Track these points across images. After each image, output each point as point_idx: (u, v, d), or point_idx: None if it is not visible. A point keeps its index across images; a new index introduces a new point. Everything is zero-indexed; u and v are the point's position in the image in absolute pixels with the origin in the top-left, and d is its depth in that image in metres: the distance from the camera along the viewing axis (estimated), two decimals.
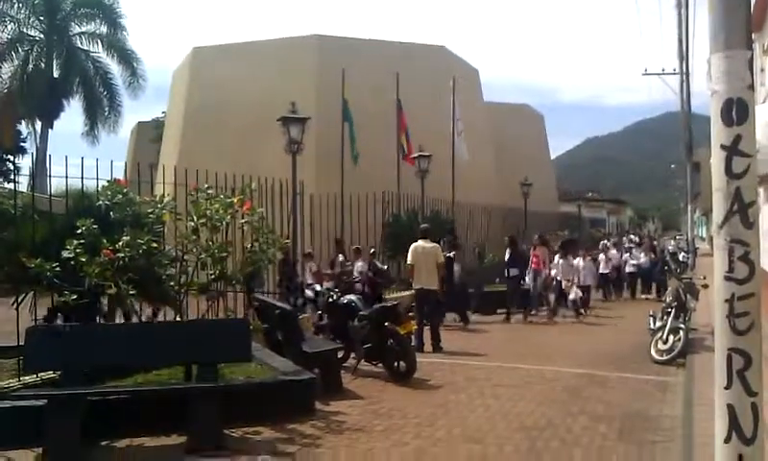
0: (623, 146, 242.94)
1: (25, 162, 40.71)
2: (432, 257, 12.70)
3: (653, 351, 11.25)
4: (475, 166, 26.77)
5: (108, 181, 8.31)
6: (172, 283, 7.88)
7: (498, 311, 17.06)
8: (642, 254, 24.21)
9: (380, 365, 9.98)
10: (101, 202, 8.15)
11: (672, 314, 11.68)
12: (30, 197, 11.43)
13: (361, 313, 10.21)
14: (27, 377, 7.66)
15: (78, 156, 8.73)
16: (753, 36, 5.43)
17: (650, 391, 9.20)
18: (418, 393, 9.03)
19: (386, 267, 16.97)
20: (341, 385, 9.15)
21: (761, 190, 12.90)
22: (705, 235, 62.67)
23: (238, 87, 26.93)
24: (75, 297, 7.41)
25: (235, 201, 8.25)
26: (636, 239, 39.18)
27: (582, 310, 17.35)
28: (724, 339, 3.36)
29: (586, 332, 15.26)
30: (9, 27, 35.31)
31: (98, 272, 7.24)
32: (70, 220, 8.12)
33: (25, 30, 35.83)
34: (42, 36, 35.93)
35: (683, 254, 29.56)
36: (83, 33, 36.72)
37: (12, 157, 40.71)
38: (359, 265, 16.50)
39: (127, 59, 36.49)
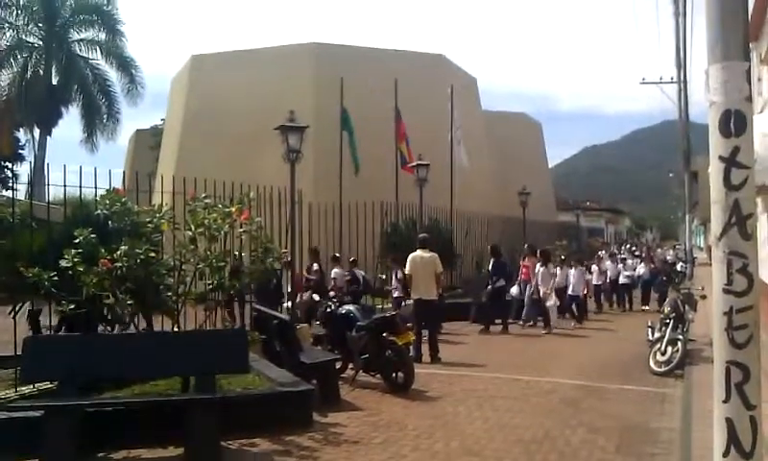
0: (621, 155, 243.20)
1: (23, 170, 40.70)
2: (430, 267, 12.67)
3: (651, 363, 11.23)
4: (474, 175, 26.78)
5: (106, 191, 8.30)
6: (170, 293, 7.86)
7: (496, 322, 16.99)
8: (642, 265, 24.08)
9: (378, 376, 9.96)
10: (99, 211, 8.13)
11: (670, 325, 11.66)
12: (28, 205, 11.44)
13: (359, 324, 10.19)
14: (24, 388, 7.63)
15: (76, 163, 8.75)
16: (750, 45, 5.44)
17: (649, 403, 9.18)
18: (416, 404, 9.00)
19: (363, 274, 17.02)
20: (339, 396, 9.12)
21: (759, 200, 12.90)
22: (703, 245, 62.73)
23: (237, 95, 26.92)
24: (72, 306, 7.39)
25: (233, 210, 8.24)
26: (634, 248, 39.16)
27: (549, 322, 16.97)
28: (722, 352, 3.35)
29: (584, 344, 15.24)
30: (7, 34, 35.38)
31: (96, 281, 7.22)
32: (68, 229, 8.10)
33: (24, 37, 35.90)
34: (41, 42, 35.97)
35: (680, 264, 29.61)
36: (81, 40, 36.78)
37: (9, 165, 40.72)
38: (335, 271, 16.54)
39: (125, 66, 36.53)
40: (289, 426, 7.43)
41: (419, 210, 19.97)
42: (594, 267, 22.13)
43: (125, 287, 7.44)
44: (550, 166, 52.15)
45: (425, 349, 12.39)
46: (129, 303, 7.59)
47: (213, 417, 6.49)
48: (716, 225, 3.37)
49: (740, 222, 3.31)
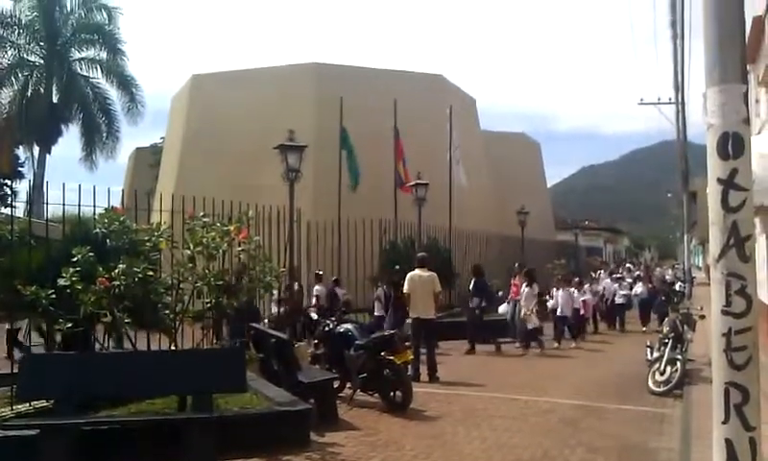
0: (619, 174, 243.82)
1: (22, 187, 40.75)
2: (429, 286, 12.66)
3: (650, 383, 11.20)
4: (472, 194, 26.86)
5: (105, 209, 8.31)
6: (167, 312, 7.85)
7: (499, 340, 16.93)
8: (640, 285, 23.89)
9: (376, 395, 9.91)
10: (98, 229, 8.13)
11: (669, 345, 11.64)
12: (27, 222, 11.44)
13: (357, 342, 10.16)
14: (20, 406, 7.59)
15: (75, 180, 8.76)
16: (747, 67, 5.46)
17: (647, 423, 9.15)
18: (414, 424, 8.96)
19: (345, 292, 17.00)
20: (336, 416, 9.07)
21: (758, 221, 12.93)
22: (701, 265, 62.71)
23: (236, 115, 27.04)
24: (70, 325, 7.37)
25: (232, 229, 8.24)
26: (631, 267, 39.09)
27: (538, 343, 16.79)
28: (721, 373, 3.34)
29: (582, 363, 15.19)
30: (9, 52, 35.44)
31: (93, 300, 7.21)
32: (66, 247, 8.10)
33: (25, 55, 35.97)
34: (42, 61, 36.06)
35: (679, 283, 29.57)
36: (82, 58, 36.87)
37: (9, 182, 40.75)
38: (317, 289, 16.52)
39: (126, 84, 36.60)
40: (286, 446, 7.39)
41: (417, 229, 20.01)
42: (586, 286, 21.57)
43: (123, 306, 7.43)
44: (548, 185, 52.27)
45: (424, 368, 12.35)
46: (126, 321, 7.57)
47: (210, 436, 6.45)
48: (715, 246, 3.38)
49: (739, 243, 3.32)
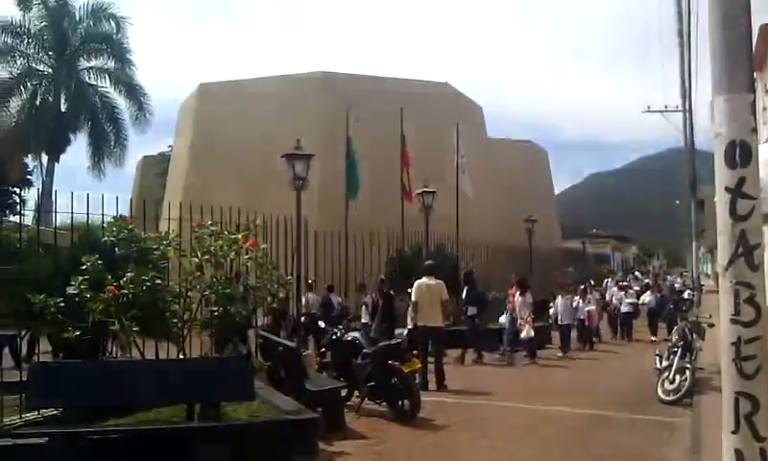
0: (626, 182, 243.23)
1: (31, 195, 40.93)
2: (436, 295, 12.64)
3: (660, 391, 11.15)
4: (479, 202, 26.82)
5: (113, 217, 8.34)
6: (175, 320, 7.86)
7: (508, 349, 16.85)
8: (648, 293, 23.40)
9: (384, 404, 9.89)
10: (106, 237, 8.17)
11: (678, 354, 11.59)
12: (35, 231, 11.49)
13: (365, 351, 10.15)
14: (29, 414, 7.61)
15: (83, 188, 8.83)
16: (755, 75, 5.46)
17: (657, 432, 9.11)
18: (422, 433, 8.94)
19: (339, 300, 16.95)
20: (344, 424, 9.06)
21: (766, 229, 12.87)
22: (710, 272, 62.41)
23: (244, 123, 27.10)
24: (78, 333, 7.39)
25: (239, 237, 8.26)
26: (639, 275, 38.84)
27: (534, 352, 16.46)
28: (731, 383, 3.33)
29: (591, 372, 15.14)
30: (18, 62, 35.66)
31: (102, 308, 7.23)
32: (75, 255, 8.13)
33: (34, 65, 36.17)
34: (51, 70, 36.26)
35: (688, 291, 29.41)
36: (91, 67, 37.06)
37: (18, 191, 40.93)
38: (309, 297, 16.51)
39: (134, 93, 36.76)
40: (294, 455, 7.38)
41: (424, 237, 19.99)
42: (590, 295, 21.01)
43: (131, 314, 7.45)
44: (556, 193, 52.19)
45: (431, 376, 12.32)
46: (135, 329, 7.58)
47: (219, 445, 6.46)
48: (723, 255, 3.37)
49: (747, 252, 3.31)
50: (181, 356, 8.22)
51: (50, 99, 35.89)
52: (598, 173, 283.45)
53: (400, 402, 9.71)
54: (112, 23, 36.50)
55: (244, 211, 10.28)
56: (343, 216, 20.87)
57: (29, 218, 28.70)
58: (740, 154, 3.35)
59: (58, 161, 36.49)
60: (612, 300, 22.74)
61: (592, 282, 24.97)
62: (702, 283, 36.64)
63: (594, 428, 9.28)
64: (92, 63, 37.08)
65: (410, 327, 14.61)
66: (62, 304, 7.35)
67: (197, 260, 7.88)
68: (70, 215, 9.03)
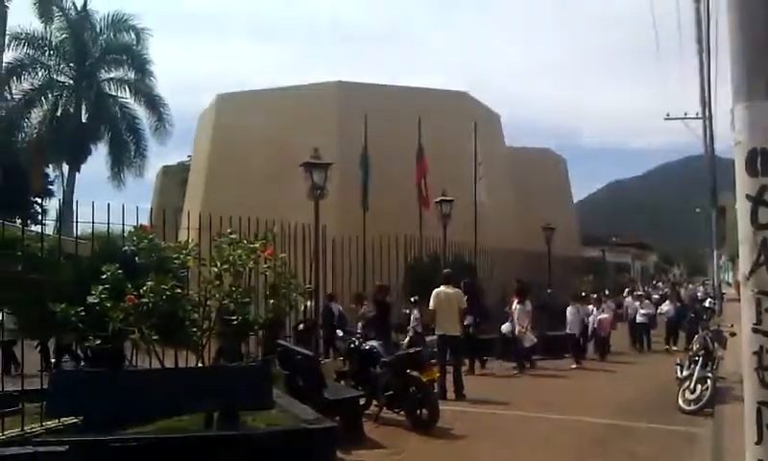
0: (646, 190, 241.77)
1: (52, 205, 41.35)
2: (454, 303, 12.62)
3: (680, 401, 11.05)
4: (498, 210, 26.77)
5: (134, 227, 8.41)
6: (195, 329, 7.89)
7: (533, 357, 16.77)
8: (667, 303, 22.92)
9: (403, 413, 9.87)
10: (126, 247, 8.24)
11: (699, 363, 11.48)
12: (56, 240, 11.62)
13: (383, 360, 10.14)
14: (49, 422, 7.68)
15: (103, 198, 8.90)
16: None
17: (678, 442, 9.02)
18: (440, 442, 8.91)
19: (340, 308, 16.88)
20: (363, 433, 9.05)
21: None
22: (731, 281, 61.79)
23: (261, 133, 27.24)
24: (99, 342, 7.45)
25: (258, 246, 8.28)
26: (659, 284, 38.38)
27: (529, 361, 16.34)
28: (753, 393, 3.28)
29: (610, 382, 15.05)
30: (39, 73, 36.12)
31: (122, 317, 7.28)
32: (96, 264, 8.20)
33: (55, 76, 36.61)
34: (71, 81, 36.68)
35: (709, 300, 29.09)
36: (111, 78, 37.45)
37: (39, 201, 41.39)
38: (307, 304, 16.50)
39: (154, 104, 37.09)
40: None
41: (442, 245, 19.97)
42: (605, 304, 20.63)
43: (151, 323, 7.49)
44: (575, 201, 51.92)
45: (450, 385, 12.28)
46: (154, 338, 7.63)
47: (237, 453, 6.47)
48: (744, 264, 3.33)
49: None
50: (201, 365, 8.26)
51: (71, 110, 36.29)
52: (618, 180, 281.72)
53: (419, 411, 9.68)
54: (132, 34, 36.92)
55: (262, 220, 10.32)
56: (361, 224, 20.91)
57: (50, 228, 29.08)
58: (762, 162, 3.31)
59: (78, 171, 36.86)
60: (627, 309, 22.42)
61: (607, 292, 24.56)
62: (723, 292, 36.26)
63: (613, 438, 9.20)
64: (112, 74, 37.48)
65: (411, 335, 14.59)
66: (83, 313, 7.41)
67: (216, 269, 7.91)
68: (91, 225, 9.12)
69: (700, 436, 9.34)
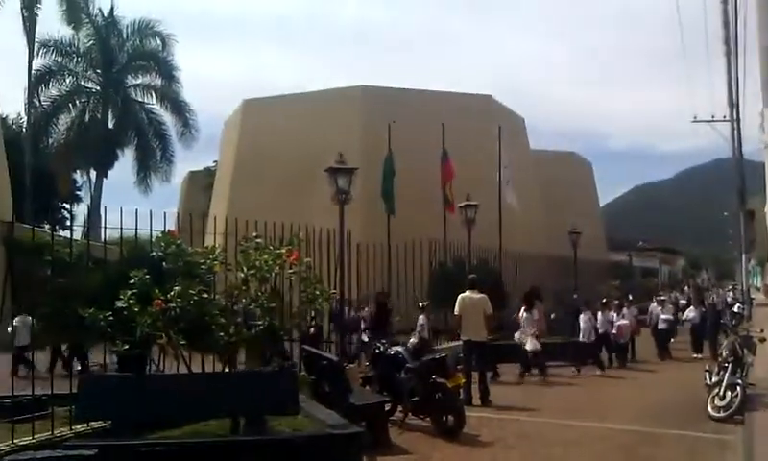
0: (673, 193, 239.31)
1: (79, 210, 41.89)
2: (480, 308, 12.54)
3: (710, 408, 10.89)
4: (523, 214, 26.63)
5: (161, 232, 8.47)
6: (221, 333, 7.92)
7: (548, 364, 16.62)
8: (691, 309, 22.23)
9: (428, 419, 9.83)
10: (154, 252, 8.29)
11: (729, 369, 11.31)
12: (84, 245, 11.75)
13: (408, 365, 10.10)
14: (78, 426, 7.74)
15: (129, 203, 8.98)
16: None
17: (708, 450, 8.90)
18: (466, 449, 8.86)
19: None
20: (388, 439, 9.02)
21: None
22: (760, 285, 60.88)
23: (286, 138, 27.41)
24: (127, 346, 7.50)
25: (284, 251, 8.29)
26: (686, 288, 37.69)
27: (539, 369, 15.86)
28: None
29: (637, 388, 14.90)
30: (68, 80, 36.67)
31: (150, 322, 7.33)
32: (123, 269, 8.26)
33: (83, 82, 37.16)
34: (99, 88, 37.18)
35: (738, 305, 28.69)
36: (137, 85, 37.92)
37: (67, 206, 41.95)
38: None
39: (180, 110, 37.46)
40: None
41: (467, 250, 19.90)
42: (626, 310, 19.99)
43: (178, 327, 7.52)
44: (601, 205, 51.56)
45: (476, 391, 12.21)
46: (181, 343, 7.67)
47: (263, 458, 6.48)
48: None
49: None
50: (227, 370, 8.28)
51: (98, 116, 36.79)
52: (645, 183, 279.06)
53: (444, 418, 9.63)
54: (158, 40, 37.39)
55: (287, 224, 10.35)
56: (385, 229, 20.91)
57: (78, 233, 29.46)
58: None
59: (106, 177, 37.34)
60: (652, 315, 22.02)
61: (630, 297, 24.06)
62: (752, 297, 35.74)
63: (642, 445, 9.09)
64: (139, 80, 37.99)
65: (414, 340, 14.47)
66: (111, 318, 7.47)
67: (242, 275, 7.94)
68: (119, 230, 9.20)
69: (730, 443, 9.20)
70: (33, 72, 34.85)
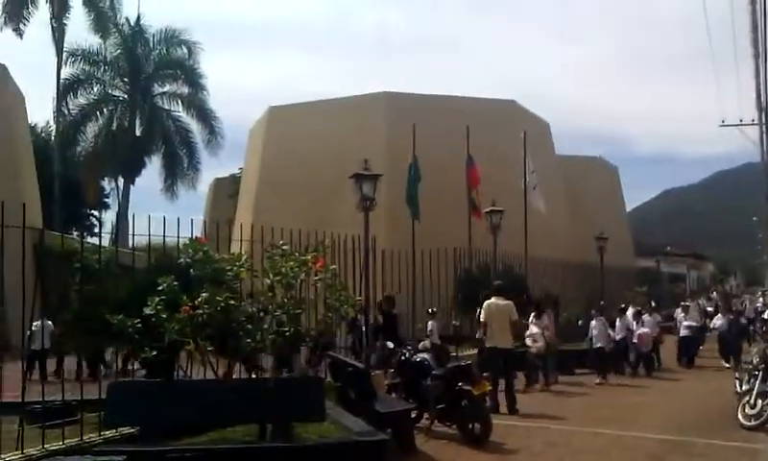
0: (701, 198, 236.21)
1: (107, 217, 42.39)
2: (506, 315, 12.46)
3: (740, 416, 10.74)
4: (548, 220, 26.43)
5: (188, 239, 8.53)
6: (248, 340, 7.95)
7: (576, 372, 16.51)
8: (719, 317, 21.67)
9: (454, 426, 9.78)
10: (182, 259, 8.35)
11: (760, 377, 11.14)
12: (113, 252, 11.88)
13: (434, 372, 10.06)
14: (107, 432, 7.82)
15: (156, 210, 9.08)
16: None
17: (739, 459, 8.76)
18: (493, 457, 8.81)
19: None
20: (414, 447, 8.99)
21: None
22: None
23: (311, 145, 27.50)
24: (155, 353, 7.56)
25: (309, 258, 8.31)
26: (714, 294, 37.04)
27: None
28: None
29: (665, 396, 14.73)
30: (95, 88, 37.17)
31: (177, 329, 7.37)
32: (151, 275, 8.33)
33: (110, 91, 37.67)
34: (126, 96, 37.65)
35: None
36: (164, 93, 38.34)
37: (95, 213, 42.46)
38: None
39: (206, 117, 37.80)
40: None
41: (492, 256, 19.81)
42: (646, 317, 19.65)
43: (205, 334, 7.57)
44: (628, 210, 51.04)
45: (502, 399, 12.12)
46: (209, 349, 7.71)
47: None
48: None
49: None
50: (254, 376, 8.31)
51: (125, 124, 37.23)
52: (672, 188, 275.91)
53: (471, 425, 9.58)
54: (184, 49, 37.78)
55: (312, 230, 10.38)
56: (410, 235, 20.89)
57: (106, 240, 29.79)
58: None
59: (133, 184, 37.77)
60: (677, 321, 21.60)
61: (653, 303, 23.61)
62: None
63: (671, 454, 8.98)
64: (166, 89, 38.42)
65: (426, 343, 14.34)
66: (139, 324, 7.53)
67: (269, 281, 7.96)
68: (148, 237, 9.29)
69: (762, 452, 9.06)
70: (61, 81, 35.37)
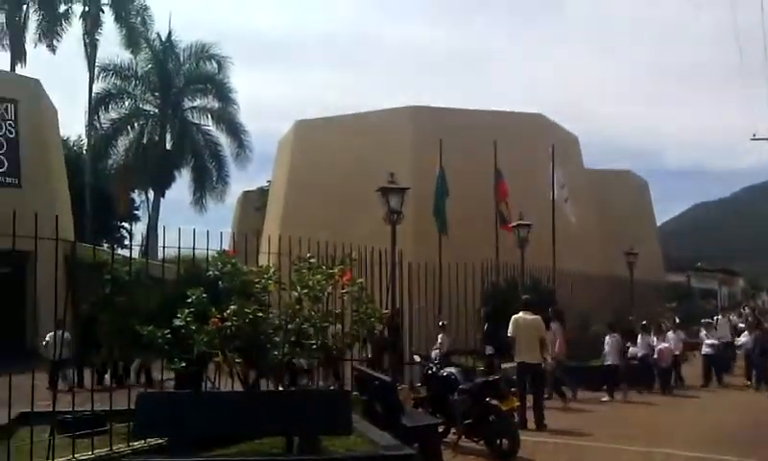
0: (733, 212, 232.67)
1: (138, 230, 42.89)
2: (533, 330, 12.37)
3: None
4: (576, 234, 26.21)
5: (217, 252, 8.60)
6: (276, 352, 7.98)
7: (603, 388, 16.31)
8: (746, 334, 20.87)
9: (482, 442, 9.70)
10: (211, 271, 8.42)
11: None
12: (143, 264, 12.02)
13: (461, 387, 10.00)
14: (136, 443, 7.87)
15: (185, 222, 9.17)
16: None
17: None
18: None
19: None
20: None
21: None
22: None
23: (338, 159, 27.59)
24: (184, 364, 7.61)
25: (336, 271, 8.33)
26: (746, 310, 36.30)
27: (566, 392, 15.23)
28: None
29: (694, 412, 14.47)
30: (126, 102, 37.72)
31: (206, 340, 7.42)
32: (181, 287, 8.40)
33: (141, 105, 38.17)
34: (156, 110, 38.13)
35: None
36: (194, 107, 38.77)
37: (126, 225, 43.00)
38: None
39: (235, 131, 38.15)
40: None
41: (520, 270, 19.69)
42: (670, 333, 19.35)
43: (234, 345, 7.61)
44: (658, 224, 50.46)
45: (530, 415, 12.01)
46: (237, 361, 7.74)
47: None
48: None
49: None
50: (281, 388, 8.33)
51: (156, 137, 37.70)
52: (703, 202, 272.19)
53: (498, 441, 9.50)
54: (214, 63, 38.21)
55: (339, 243, 10.40)
56: (436, 249, 20.84)
57: (136, 251, 30.13)
58: None
59: (163, 197, 38.18)
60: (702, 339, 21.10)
61: (677, 320, 23.07)
62: None
63: None
64: (196, 103, 38.86)
65: (437, 351, 14.19)
66: (169, 336, 7.59)
67: (296, 294, 7.99)
68: (177, 250, 9.38)
69: None
70: (93, 95, 36.00)
